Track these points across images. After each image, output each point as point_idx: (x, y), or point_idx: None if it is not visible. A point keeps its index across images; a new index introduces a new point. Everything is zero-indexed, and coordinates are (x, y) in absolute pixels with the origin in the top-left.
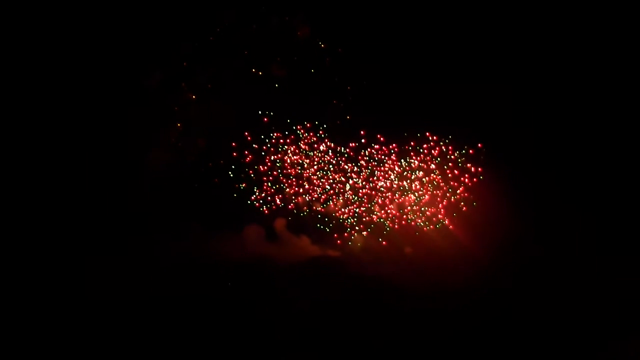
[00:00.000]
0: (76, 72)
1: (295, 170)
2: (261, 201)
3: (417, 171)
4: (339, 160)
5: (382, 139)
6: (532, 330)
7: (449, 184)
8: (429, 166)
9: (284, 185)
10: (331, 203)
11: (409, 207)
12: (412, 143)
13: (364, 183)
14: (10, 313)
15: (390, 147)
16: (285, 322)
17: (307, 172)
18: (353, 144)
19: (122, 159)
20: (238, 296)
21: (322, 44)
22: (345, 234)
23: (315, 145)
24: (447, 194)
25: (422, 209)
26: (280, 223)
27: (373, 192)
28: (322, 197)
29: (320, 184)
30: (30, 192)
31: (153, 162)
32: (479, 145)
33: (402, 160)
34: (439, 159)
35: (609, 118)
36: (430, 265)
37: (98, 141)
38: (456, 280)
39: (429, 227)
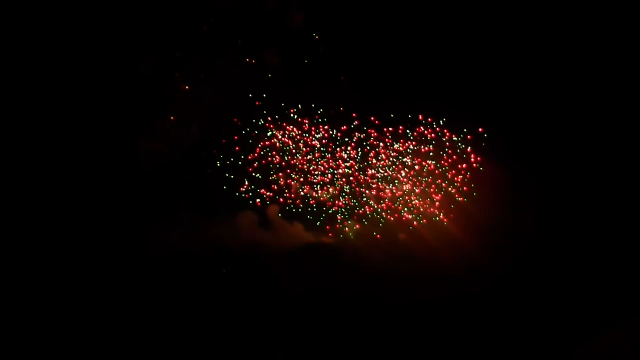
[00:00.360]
0: (68, 63)
1: (285, 161)
2: (250, 194)
3: (412, 158)
4: (333, 149)
5: (376, 121)
6: (518, 324)
7: (446, 173)
8: (423, 152)
9: (272, 174)
10: (322, 192)
11: (401, 199)
12: (401, 127)
13: (355, 172)
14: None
15: (384, 129)
16: (280, 309)
17: (295, 160)
18: (344, 127)
19: (115, 149)
20: (232, 283)
21: (315, 35)
22: (337, 225)
23: (308, 131)
24: (443, 185)
25: (415, 200)
26: (272, 211)
27: (365, 180)
28: (315, 190)
29: (312, 171)
30: (24, 184)
31: (146, 152)
32: (480, 129)
33: (395, 145)
34: (434, 142)
35: (618, 108)
36: (425, 260)
37: (90, 131)
38: (450, 275)
39: (422, 221)
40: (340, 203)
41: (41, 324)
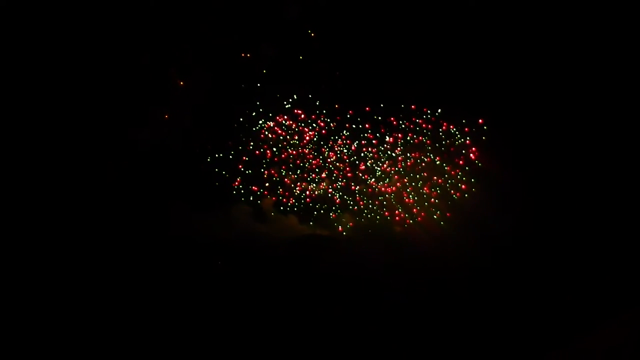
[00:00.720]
0: (64, 58)
1: (277, 156)
2: (242, 191)
3: (406, 151)
4: (326, 142)
5: (370, 112)
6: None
7: (442, 168)
8: (417, 145)
9: (264, 171)
10: (315, 188)
11: (394, 195)
12: (393, 119)
13: (348, 167)
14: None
15: (377, 119)
16: (277, 302)
17: (287, 154)
18: (338, 117)
19: (110, 144)
20: (228, 276)
21: (311, 32)
22: (332, 222)
23: (304, 122)
24: (439, 181)
25: (410, 197)
26: (266, 206)
27: (358, 176)
28: (309, 185)
29: (306, 166)
30: (18, 178)
31: (140, 146)
32: (480, 121)
33: (388, 137)
34: (429, 134)
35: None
36: (419, 258)
37: (85, 126)
38: (447, 274)
39: (417, 219)
40: (335, 199)
41: (36, 318)
